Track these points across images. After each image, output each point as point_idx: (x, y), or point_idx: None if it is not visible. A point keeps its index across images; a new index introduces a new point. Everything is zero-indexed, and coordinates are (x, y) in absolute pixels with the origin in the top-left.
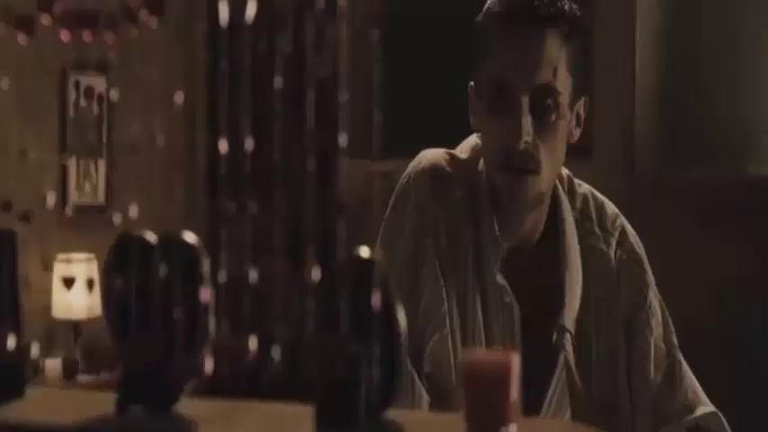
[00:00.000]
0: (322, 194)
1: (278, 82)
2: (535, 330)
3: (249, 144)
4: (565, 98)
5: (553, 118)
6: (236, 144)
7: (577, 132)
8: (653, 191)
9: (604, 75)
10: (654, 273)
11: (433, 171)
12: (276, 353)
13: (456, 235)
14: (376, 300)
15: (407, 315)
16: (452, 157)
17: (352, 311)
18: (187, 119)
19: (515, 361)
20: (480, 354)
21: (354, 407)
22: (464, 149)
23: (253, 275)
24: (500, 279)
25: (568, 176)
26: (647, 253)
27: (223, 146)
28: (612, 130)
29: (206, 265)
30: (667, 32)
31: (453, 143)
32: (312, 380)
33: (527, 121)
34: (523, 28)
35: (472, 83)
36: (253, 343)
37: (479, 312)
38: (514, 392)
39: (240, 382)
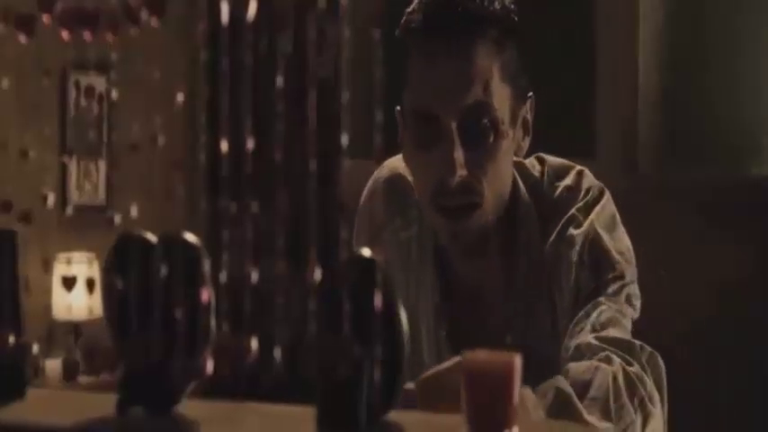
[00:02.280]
0: (323, 195)
1: (279, 82)
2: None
3: (250, 144)
4: (504, 113)
5: (491, 139)
6: (237, 144)
7: (526, 142)
8: (655, 191)
9: (606, 75)
10: (654, 278)
11: (382, 199)
12: (277, 354)
13: (403, 284)
14: (377, 300)
15: None
16: (401, 183)
17: (353, 312)
18: (188, 119)
19: (518, 362)
20: (483, 354)
21: (355, 409)
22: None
23: (254, 276)
24: (444, 345)
25: (550, 171)
26: (647, 253)
27: (224, 146)
28: (614, 130)
29: (207, 266)
30: (669, 33)
31: None
32: (313, 381)
33: (459, 153)
34: (444, 42)
35: (399, 108)
36: (254, 344)
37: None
38: (516, 394)
39: (241, 383)
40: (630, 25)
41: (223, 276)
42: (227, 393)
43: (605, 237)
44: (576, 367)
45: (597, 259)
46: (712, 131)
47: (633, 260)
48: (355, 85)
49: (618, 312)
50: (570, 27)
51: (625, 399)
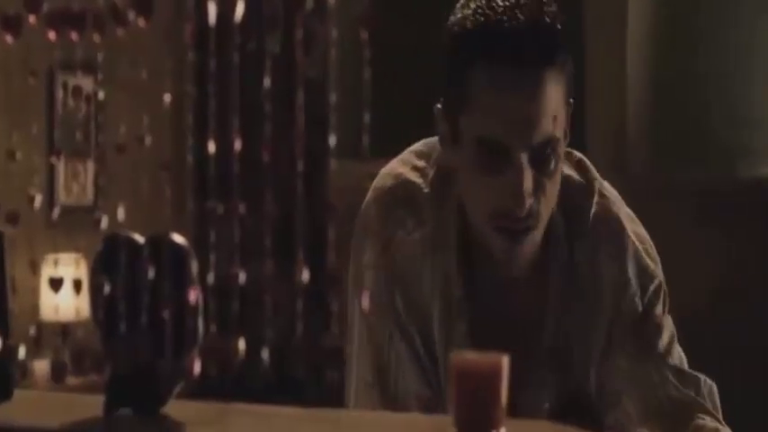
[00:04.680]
0: (311, 196)
1: (267, 83)
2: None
3: (238, 145)
4: (562, 133)
5: (552, 166)
6: (224, 145)
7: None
8: (645, 191)
9: (596, 75)
10: None
11: (388, 205)
12: (265, 355)
13: (419, 281)
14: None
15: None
16: (410, 187)
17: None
18: (175, 120)
19: (506, 362)
20: (471, 355)
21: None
22: (422, 173)
23: (241, 277)
24: (466, 340)
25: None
26: None
27: (211, 147)
28: (605, 130)
29: (194, 267)
30: (659, 32)
31: None
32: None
33: (528, 183)
34: (515, 73)
35: (439, 106)
36: (241, 345)
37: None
38: (504, 394)
39: (228, 383)
40: (620, 26)
41: (211, 277)
42: (216, 394)
43: (640, 248)
44: None
45: (642, 276)
46: (702, 132)
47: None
48: (343, 86)
49: (671, 329)
50: None
51: None
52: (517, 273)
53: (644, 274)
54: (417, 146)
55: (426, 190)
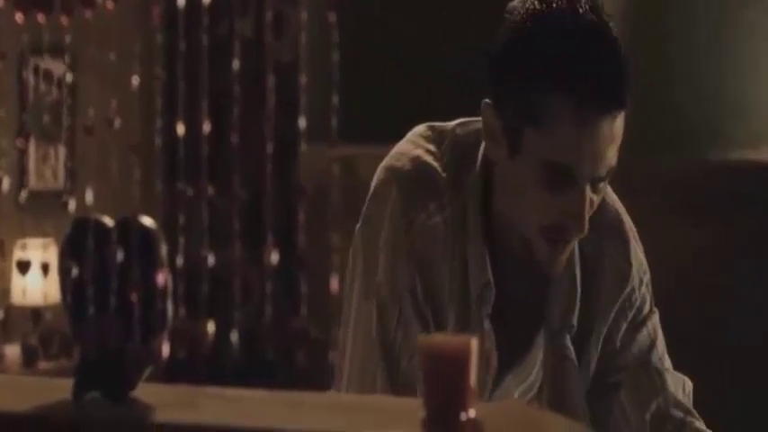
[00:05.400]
0: (281, 178)
1: (236, 65)
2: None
3: (207, 127)
4: None
5: (602, 185)
6: (193, 127)
7: None
8: (615, 176)
9: None
10: None
11: (409, 188)
12: (235, 337)
13: (435, 267)
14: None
15: (388, 342)
16: (430, 171)
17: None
18: (144, 102)
19: (474, 345)
20: (440, 338)
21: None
22: (438, 158)
23: (211, 260)
24: (487, 325)
25: None
26: None
27: (180, 129)
28: None
29: (163, 250)
30: (630, 20)
31: (412, 126)
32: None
33: (588, 204)
34: (602, 113)
35: (489, 101)
36: (211, 328)
37: None
38: (473, 376)
39: (198, 367)
40: None
41: (180, 260)
42: (186, 377)
43: (635, 240)
44: None
45: (640, 269)
46: (674, 118)
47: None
48: (313, 69)
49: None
50: None
51: None
52: (553, 271)
53: (641, 267)
54: (422, 130)
55: (444, 174)
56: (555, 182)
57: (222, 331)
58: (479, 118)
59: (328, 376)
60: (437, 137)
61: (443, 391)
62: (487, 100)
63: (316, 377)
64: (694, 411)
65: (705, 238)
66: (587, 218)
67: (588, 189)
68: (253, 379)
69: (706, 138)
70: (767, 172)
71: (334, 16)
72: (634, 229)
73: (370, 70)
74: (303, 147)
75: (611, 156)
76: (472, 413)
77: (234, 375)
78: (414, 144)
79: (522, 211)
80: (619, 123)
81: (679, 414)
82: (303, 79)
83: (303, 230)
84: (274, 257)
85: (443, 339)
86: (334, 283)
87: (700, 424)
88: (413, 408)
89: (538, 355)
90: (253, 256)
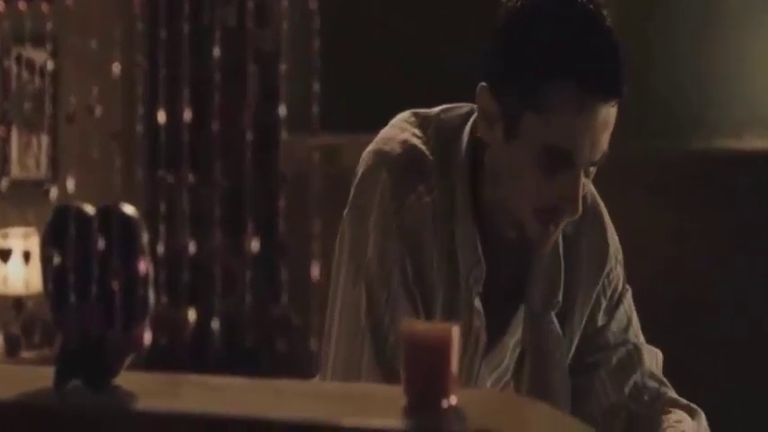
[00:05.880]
0: (262, 166)
1: (217, 53)
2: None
3: (188, 115)
4: None
5: (592, 169)
6: (174, 115)
7: None
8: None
9: None
10: None
11: (399, 171)
12: (216, 325)
13: (424, 248)
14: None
15: (376, 323)
16: (418, 154)
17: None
18: (126, 89)
19: (456, 332)
20: (421, 325)
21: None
22: (424, 142)
23: (192, 247)
24: (477, 303)
25: None
26: None
27: (161, 117)
28: None
29: (144, 237)
30: (616, 6)
31: (394, 115)
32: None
33: (582, 186)
34: (601, 101)
35: (485, 85)
36: (192, 315)
37: None
38: (455, 364)
39: (180, 354)
40: None
41: (161, 247)
42: (167, 365)
43: (615, 238)
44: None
45: (616, 250)
46: (657, 105)
47: None
48: (294, 57)
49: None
50: None
51: None
52: (543, 251)
53: (616, 246)
54: (406, 116)
55: (431, 158)
56: (552, 165)
57: (203, 319)
58: (462, 104)
59: (310, 363)
60: (422, 122)
61: (425, 378)
62: (484, 84)
63: (297, 364)
64: (667, 381)
65: (686, 225)
66: (581, 201)
67: (583, 174)
68: (234, 366)
69: (690, 126)
70: (750, 161)
71: (315, 3)
72: (606, 211)
73: (351, 59)
74: (284, 135)
75: (606, 141)
76: (454, 400)
77: (215, 363)
78: (400, 129)
79: (517, 194)
80: (614, 111)
81: (654, 385)
82: (284, 67)
83: (284, 218)
84: (255, 245)
85: (425, 327)
86: (315, 271)
87: (672, 393)
88: (395, 395)
89: (511, 340)
90: (234, 244)
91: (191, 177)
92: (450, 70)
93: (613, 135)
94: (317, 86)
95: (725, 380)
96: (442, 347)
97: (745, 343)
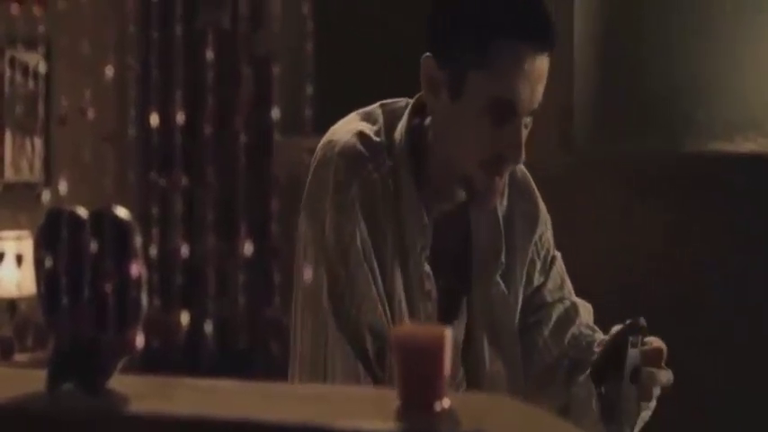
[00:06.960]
0: (254, 169)
1: (210, 56)
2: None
3: (181, 118)
4: None
5: (529, 120)
6: (167, 118)
7: None
8: (590, 166)
9: None
10: (591, 245)
11: (350, 153)
12: (209, 328)
13: (377, 219)
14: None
15: (338, 296)
16: (366, 138)
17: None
18: (119, 93)
19: (449, 335)
20: (414, 327)
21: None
22: (373, 130)
23: (185, 250)
24: (426, 267)
25: None
26: (584, 226)
27: (154, 119)
28: (551, 105)
29: (137, 240)
30: (604, 7)
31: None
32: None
33: (523, 137)
34: (539, 52)
35: (429, 55)
36: (185, 318)
37: (403, 301)
38: (447, 366)
39: (173, 357)
40: (566, 2)
41: (154, 250)
42: (160, 367)
43: (543, 204)
44: None
45: (545, 214)
46: (646, 107)
47: None
48: (288, 60)
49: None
50: None
51: None
52: (491, 205)
53: (545, 212)
54: (351, 115)
55: (377, 139)
56: (497, 117)
57: (196, 322)
58: (399, 98)
59: None
60: (367, 116)
61: (417, 381)
62: (427, 54)
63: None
64: (597, 328)
65: (678, 227)
66: (524, 148)
67: (523, 129)
68: (227, 369)
69: (681, 127)
70: (742, 163)
71: (308, 7)
72: (533, 181)
73: (344, 61)
74: (277, 137)
75: (541, 92)
76: (446, 403)
77: (209, 365)
78: (347, 122)
79: (464, 149)
80: (548, 62)
81: (589, 332)
82: (277, 70)
83: (276, 220)
84: (248, 248)
85: (416, 330)
86: (308, 273)
87: (599, 335)
88: (387, 398)
89: (463, 309)
90: (227, 247)
91: (184, 180)
92: None
93: (603, 136)
94: (309, 89)
95: (725, 380)
96: (434, 350)
97: (745, 343)
